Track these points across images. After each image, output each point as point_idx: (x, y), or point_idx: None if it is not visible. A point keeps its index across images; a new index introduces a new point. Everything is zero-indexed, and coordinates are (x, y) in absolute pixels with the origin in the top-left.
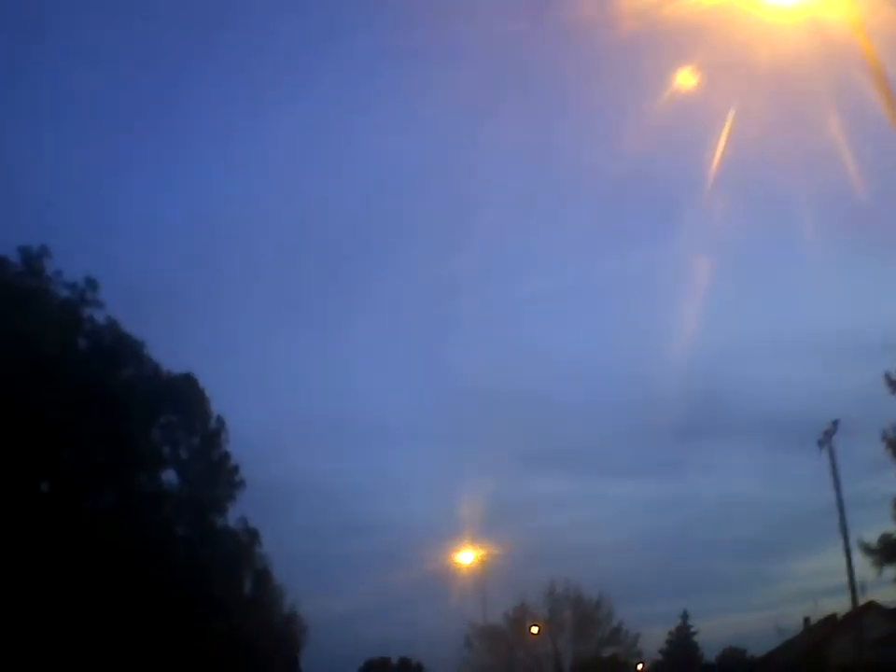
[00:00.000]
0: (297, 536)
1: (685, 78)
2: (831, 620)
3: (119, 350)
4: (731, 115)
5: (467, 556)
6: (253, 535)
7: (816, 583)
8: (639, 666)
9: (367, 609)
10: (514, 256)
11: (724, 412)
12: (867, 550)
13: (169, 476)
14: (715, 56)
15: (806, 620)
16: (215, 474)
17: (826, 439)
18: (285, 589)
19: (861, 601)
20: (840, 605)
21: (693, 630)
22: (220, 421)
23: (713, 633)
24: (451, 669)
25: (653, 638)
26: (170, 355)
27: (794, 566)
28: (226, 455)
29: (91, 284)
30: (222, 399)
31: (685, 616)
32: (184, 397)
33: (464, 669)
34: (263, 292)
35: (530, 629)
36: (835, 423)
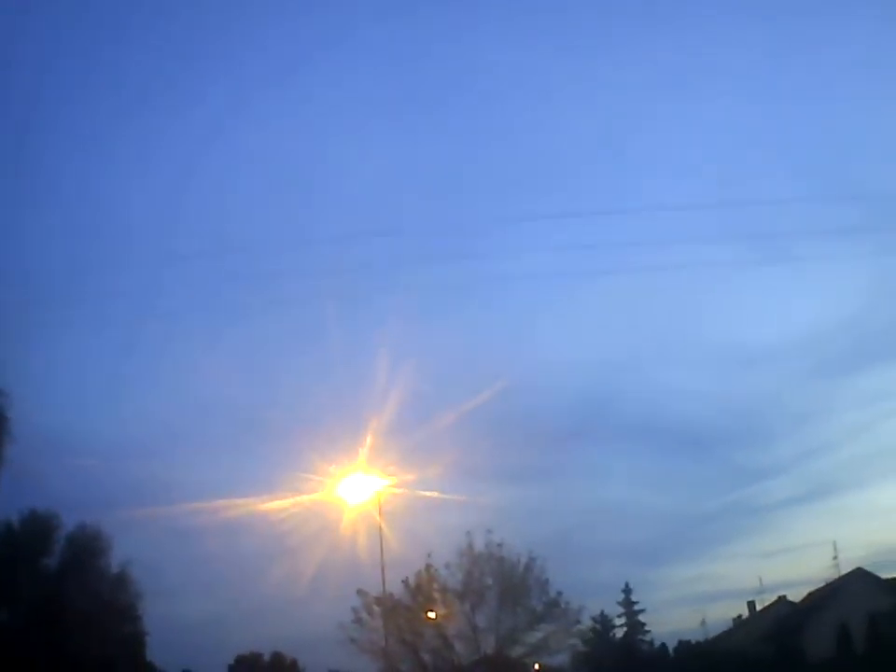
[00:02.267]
0: (163, 536)
1: None
2: (782, 601)
3: None
4: None
5: (356, 494)
6: None
7: (697, 589)
8: (536, 667)
9: (253, 603)
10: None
11: (607, 419)
12: None
13: None
14: None
15: (750, 603)
16: None
17: None
18: (111, 542)
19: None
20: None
21: (637, 608)
22: None
23: None
24: (335, 656)
25: None
26: None
27: (674, 572)
28: None
29: None
30: None
31: (627, 590)
32: None
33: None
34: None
35: (431, 608)
36: None
